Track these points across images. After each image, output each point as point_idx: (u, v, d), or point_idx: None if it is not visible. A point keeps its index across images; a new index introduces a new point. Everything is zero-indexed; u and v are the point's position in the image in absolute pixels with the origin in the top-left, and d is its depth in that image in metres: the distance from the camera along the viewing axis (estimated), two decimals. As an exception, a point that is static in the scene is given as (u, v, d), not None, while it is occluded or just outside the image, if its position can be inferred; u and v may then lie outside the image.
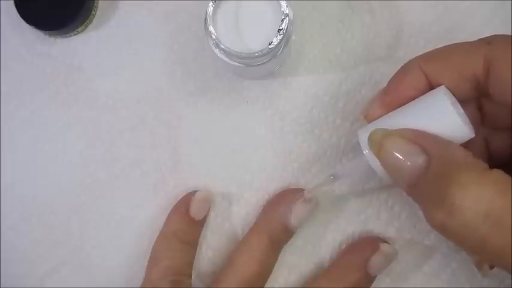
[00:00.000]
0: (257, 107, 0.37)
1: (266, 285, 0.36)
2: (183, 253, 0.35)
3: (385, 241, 0.35)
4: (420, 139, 0.25)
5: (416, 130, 0.26)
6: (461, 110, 0.27)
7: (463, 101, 0.27)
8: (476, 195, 0.23)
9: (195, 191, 0.35)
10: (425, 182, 0.25)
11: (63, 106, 0.37)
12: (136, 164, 0.37)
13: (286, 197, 0.35)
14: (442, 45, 0.35)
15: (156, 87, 0.37)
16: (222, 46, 0.30)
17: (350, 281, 0.33)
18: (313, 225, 0.36)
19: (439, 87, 0.27)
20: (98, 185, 0.37)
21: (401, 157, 0.25)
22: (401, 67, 0.29)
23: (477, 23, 0.36)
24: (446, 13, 0.36)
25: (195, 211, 0.35)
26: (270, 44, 0.30)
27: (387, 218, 0.36)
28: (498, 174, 0.23)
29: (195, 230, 0.35)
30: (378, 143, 0.26)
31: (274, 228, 0.34)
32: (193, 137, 0.37)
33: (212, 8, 0.30)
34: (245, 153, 0.37)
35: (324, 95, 0.37)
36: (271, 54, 0.31)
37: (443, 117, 0.26)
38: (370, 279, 0.34)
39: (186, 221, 0.35)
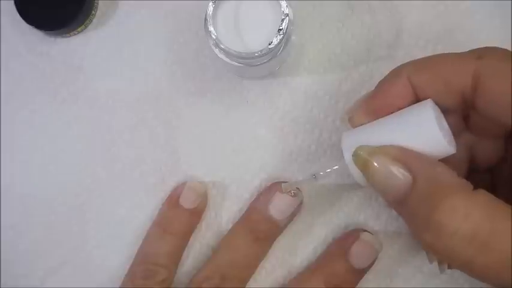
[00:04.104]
0: (257, 107, 0.37)
1: (266, 285, 0.36)
2: (163, 243, 0.35)
3: (366, 230, 0.35)
4: (406, 158, 0.25)
5: (402, 148, 0.26)
6: (446, 126, 0.27)
7: (448, 111, 0.27)
8: (463, 219, 0.23)
9: (186, 182, 0.36)
10: (411, 201, 0.25)
11: (63, 106, 0.37)
12: (137, 164, 0.37)
13: (269, 189, 0.35)
14: (441, 45, 0.36)
15: (156, 87, 0.37)
16: (222, 46, 0.30)
17: (331, 271, 0.33)
18: (314, 226, 0.36)
19: (426, 100, 0.27)
20: (98, 185, 0.37)
21: (386, 176, 0.25)
22: (390, 73, 0.29)
23: (477, 23, 0.36)
24: (446, 13, 0.36)
25: (183, 199, 0.35)
26: (270, 44, 0.30)
27: (386, 218, 0.36)
28: (483, 196, 0.24)
29: (184, 221, 0.35)
30: (363, 160, 0.26)
31: (254, 218, 0.35)
32: (193, 137, 0.37)
33: (212, 8, 0.30)
34: (245, 153, 0.37)
35: (324, 95, 0.37)
36: (271, 54, 0.31)
37: (427, 134, 0.26)
38: (355, 272, 0.34)
39: (173, 210, 0.35)
